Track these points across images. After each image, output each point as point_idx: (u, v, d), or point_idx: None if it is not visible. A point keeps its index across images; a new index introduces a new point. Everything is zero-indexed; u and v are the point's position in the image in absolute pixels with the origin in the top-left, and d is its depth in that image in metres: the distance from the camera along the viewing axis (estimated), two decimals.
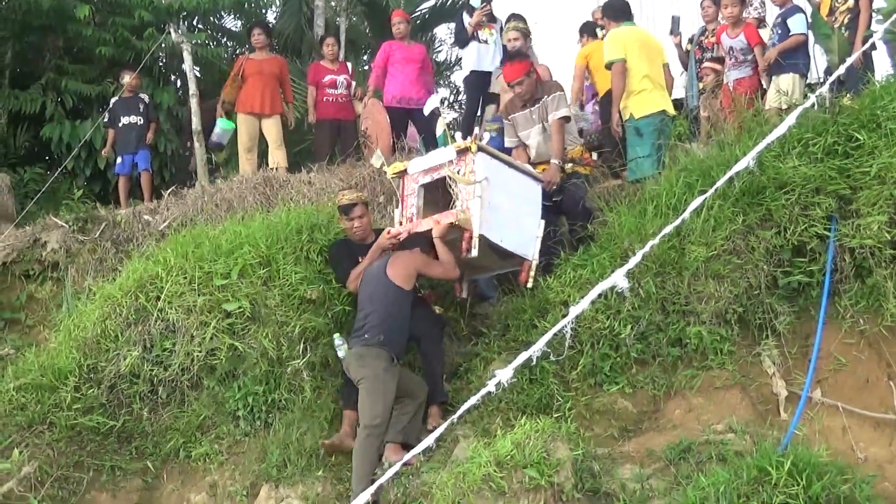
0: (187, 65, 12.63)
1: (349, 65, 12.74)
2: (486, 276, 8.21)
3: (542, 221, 7.66)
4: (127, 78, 12.35)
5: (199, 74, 14.22)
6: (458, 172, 7.25)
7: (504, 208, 7.36)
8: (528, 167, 7.90)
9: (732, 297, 6.97)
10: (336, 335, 7.15)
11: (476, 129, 7.62)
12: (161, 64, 15.86)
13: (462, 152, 7.26)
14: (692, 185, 7.33)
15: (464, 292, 7.89)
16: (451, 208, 7.27)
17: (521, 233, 7.49)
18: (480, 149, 7.25)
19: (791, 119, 4.14)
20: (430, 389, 7.21)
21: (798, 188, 6.93)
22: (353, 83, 12.30)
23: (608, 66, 8.89)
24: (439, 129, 8.14)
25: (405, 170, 7.70)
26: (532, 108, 8.39)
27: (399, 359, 6.90)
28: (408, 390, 6.95)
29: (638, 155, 8.65)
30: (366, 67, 16.92)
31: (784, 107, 8.93)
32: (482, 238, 7.12)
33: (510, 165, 7.60)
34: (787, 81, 9.62)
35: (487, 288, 8.56)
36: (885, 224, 6.63)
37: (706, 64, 10.64)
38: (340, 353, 7.06)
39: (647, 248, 4.16)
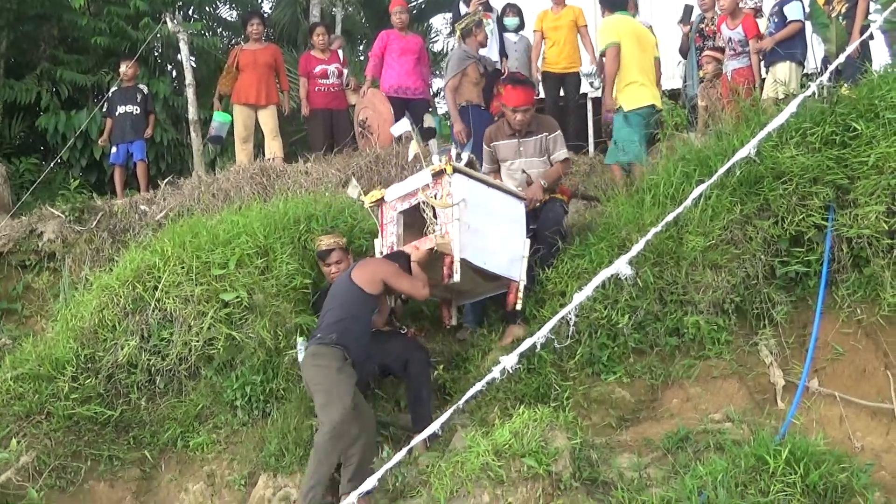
0: (183, 55, 12.61)
1: (340, 53, 12.70)
2: (476, 301, 7.79)
3: (528, 241, 7.37)
4: (123, 67, 12.31)
5: (194, 64, 14.18)
6: (435, 195, 6.97)
7: (486, 230, 7.06)
8: (509, 186, 7.60)
9: (730, 286, 6.98)
10: (300, 339, 6.96)
11: (453, 149, 7.21)
12: (157, 54, 15.85)
13: (438, 174, 6.96)
14: (690, 174, 7.34)
15: (452, 319, 7.61)
16: (428, 233, 7.00)
17: (505, 254, 7.18)
18: (457, 170, 6.95)
19: (792, 107, 4.14)
20: (415, 415, 6.87)
21: (796, 178, 6.94)
22: (346, 72, 12.23)
23: (602, 53, 8.85)
24: (411, 153, 7.68)
25: (382, 198, 7.40)
26: (522, 140, 7.98)
27: (355, 366, 6.42)
28: (356, 415, 6.30)
29: (626, 138, 8.59)
30: (361, 58, 16.90)
31: (781, 96, 8.93)
32: (464, 262, 6.85)
33: (490, 185, 7.27)
34: (783, 70, 9.62)
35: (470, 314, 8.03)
36: (882, 214, 6.64)
37: (707, 52, 10.61)
38: (300, 358, 6.80)
39: (650, 235, 4.15)
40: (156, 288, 7.49)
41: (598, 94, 11.89)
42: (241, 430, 7.26)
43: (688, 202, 4.25)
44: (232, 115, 11.72)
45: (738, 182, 7.12)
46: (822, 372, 6.69)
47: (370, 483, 3.61)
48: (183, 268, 7.49)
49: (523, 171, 7.94)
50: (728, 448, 5.85)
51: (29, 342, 8.00)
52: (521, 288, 7.25)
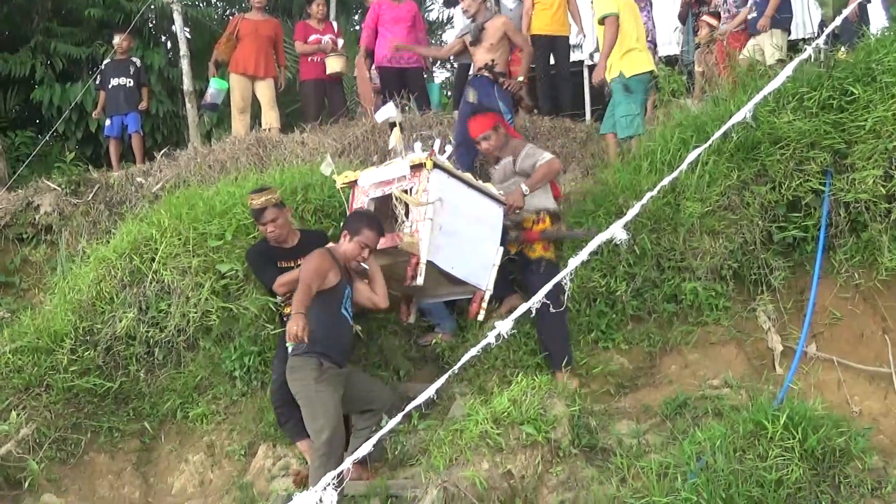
0: (178, 25, 12.47)
1: (335, 24, 12.59)
2: (437, 302, 7.40)
3: (501, 248, 6.93)
4: (117, 39, 12.24)
5: (189, 35, 14.10)
6: (410, 190, 6.57)
7: (459, 232, 6.67)
8: (490, 188, 7.00)
9: (727, 252, 6.99)
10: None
11: (437, 142, 6.80)
12: (151, 25, 15.75)
13: (416, 168, 6.57)
14: (687, 140, 7.32)
15: (411, 317, 7.22)
16: (397, 231, 6.59)
17: (475, 260, 6.80)
18: (437, 165, 6.57)
19: (788, 70, 4.12)
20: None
21: (793, 143, 6.93)
22: (341, 42, 12.09)
23: (601, 21, 8.76)
24: (392, 140, 7.24)
25: (356, 181, 7.07)
26: (495, 167, 7.60)
27: (340, 363, 6.24)
28: (368, 399, 6.41)
29: (629, 112, 8.57)
30: (357, 27, 16.80)
31: (770, 62, 8.89)
32: (430, 265, 6.48)
33: (469, 185, 6.82)
34: (769, 37, 9.55)
35: (439, 315, 7.59)
36: (879, 178, 6.64)
37: (704, 17, 10.53)
38: None
39: (645, 200, 4.14)
40: (153, 260, 7.48)
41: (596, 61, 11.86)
42: (241, 401, 7.28)
43: (683, 166, 4.24)
44: (228, 83, 11.63)
45: (735, 148, 7.12)
46: (820, 337, 6.72)
47: (365, 449, 3.60)
48: (180, 239, 7.48)
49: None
50: (726, 413, 5.87)
51: (27, 315, 7.99)
52: (487, 298, 6.88)
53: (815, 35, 9.78)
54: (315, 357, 6.11)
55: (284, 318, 6.74)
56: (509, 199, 7.03)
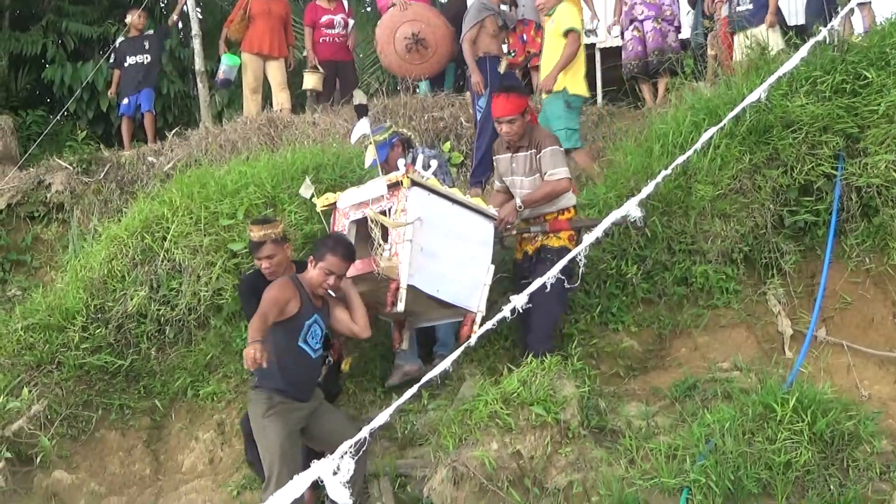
0: (189, 5, 12.46)
1: (346, 3, 12.55)
2: (430, 325, 6.90)
3: (492, 267, 6.39)
4: (131, 17, 12.22)
5: (201, 16, 14.08)
6: (389, 210, 6.12)
7: (443, 253, 6.16)
8: (479, 203, 6.50)
9: (738, 236, 6.99)
10: None
11: (421, 157, 6.38)
12: (163, 5, 15.76)
13: (394, 187, 6.11)
14: (699, 123, 7.31)
15: (404, 343, 6.62)
16: (375, 253, 6.09)
17: (464, 281, 6.26)
18: (415, 183, 6.08)
19: (802, 52, 4.11)
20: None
21: (805, 127, 6.93)
22: (352, 22, 12.06)
23: (565, 35, 8.66)
24: (368, 158, 6.86)
25: (335, 203, 6.61)
26: (515, 155, 6.87)
27: (299, 397, 5.76)
28: (328, 441, 5.54)
29: (569, 126, 8.54)
30: (368, 9, 16.78)
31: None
32: (413, 289, 6.01)
33: (455, 202, 6.30)
34: (761, 33, 9.48)
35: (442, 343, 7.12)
36: (892, 163, 6.65)
37: None
38: None
39: (660, 178, 4.14)
40: (164, 238, 7.51)
41: (607, 44, 11.85)
42: (251, 379, 7.29)
43: (697, 146, 4.24)
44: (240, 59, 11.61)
45: (748, 131, 7.11)
46: (830, 321, 6.73)
47: (381, 419, 3.60)
48: (191, 218, 7.50)
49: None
50: (736, 396, 5.87)
51: (39, 293, 8.03)
52: (479, 320, 6.27)
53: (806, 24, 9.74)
54: (266, 391, 5.72)
55: None
56: (502, 212, 6.65)
